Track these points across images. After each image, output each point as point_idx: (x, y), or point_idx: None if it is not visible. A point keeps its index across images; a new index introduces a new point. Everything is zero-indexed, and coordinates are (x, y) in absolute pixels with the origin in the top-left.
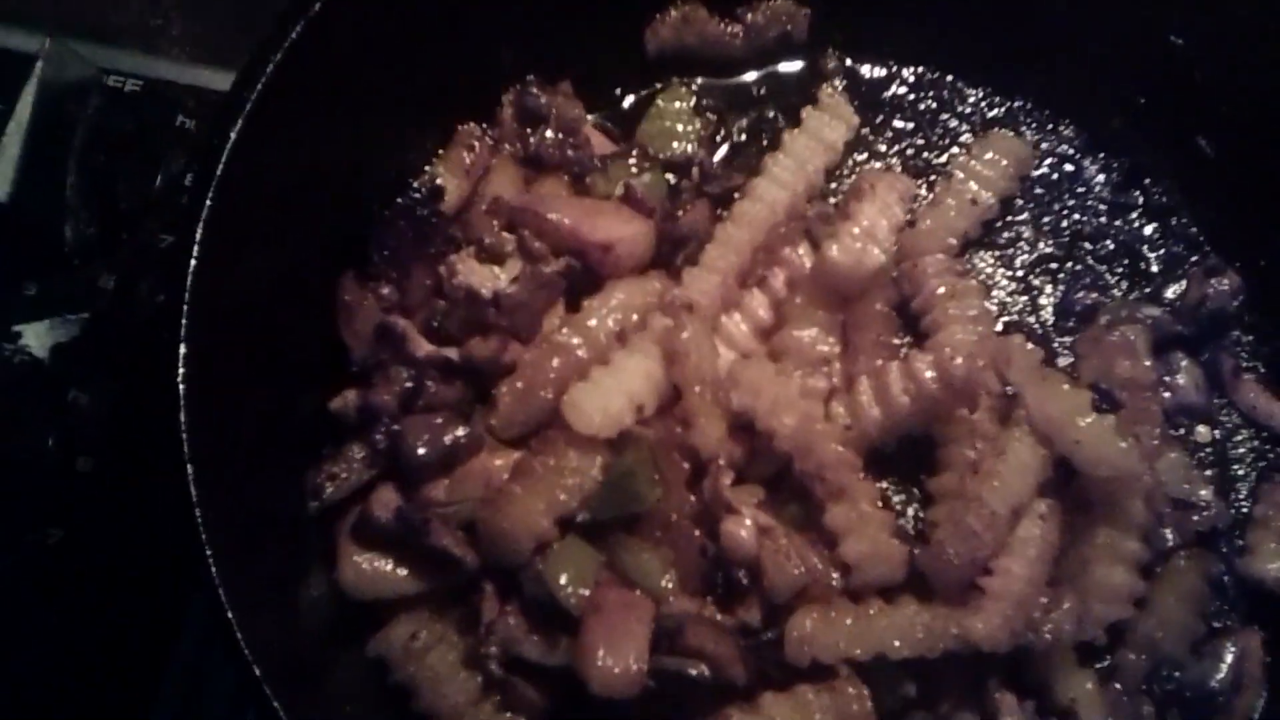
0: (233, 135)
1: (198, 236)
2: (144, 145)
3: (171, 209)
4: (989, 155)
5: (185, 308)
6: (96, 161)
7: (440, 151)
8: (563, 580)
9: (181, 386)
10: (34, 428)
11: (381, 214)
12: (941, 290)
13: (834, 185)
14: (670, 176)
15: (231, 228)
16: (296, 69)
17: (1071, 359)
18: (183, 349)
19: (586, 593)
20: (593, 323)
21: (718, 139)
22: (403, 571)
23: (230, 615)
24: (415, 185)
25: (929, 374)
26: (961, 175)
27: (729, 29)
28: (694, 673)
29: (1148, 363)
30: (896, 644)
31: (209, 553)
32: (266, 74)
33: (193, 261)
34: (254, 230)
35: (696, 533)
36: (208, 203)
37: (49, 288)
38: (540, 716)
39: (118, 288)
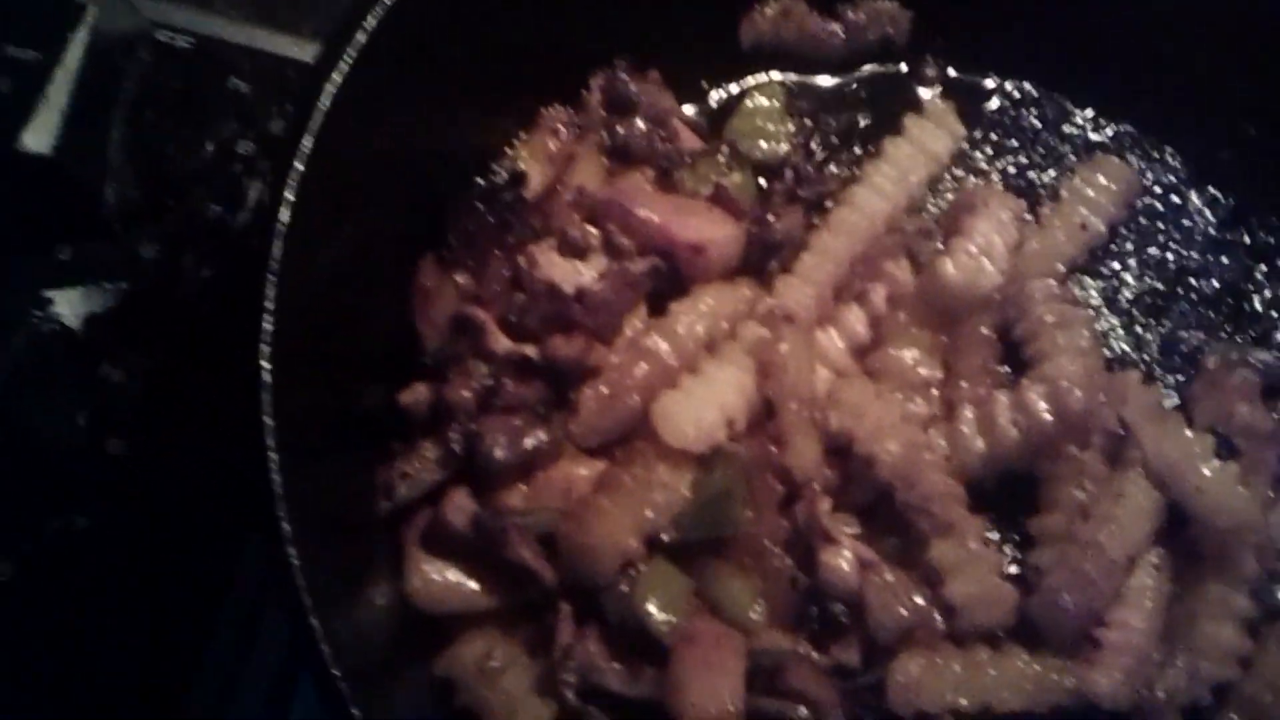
0: (324, 106)
1: (283, 213)
2: (193, 107)
3: (222, 177)
4: (1099, 179)
5: (269, 285)
6: (143, 121)
7: (522, 135)
8: (652, 606)
9: (266, 368)
10: (62, 404)
11: (459, 197)
12: (1050, 318)
13: (932, 200)
14: (760, 180)
15: (315, 204)
16: (388, 38)
17: (1176, 401)
18: (267, 325)
19: (678, 621)
20: (681, 329)
21: (811, 142)
22: (474, 585)
23: (310, 611)
24: (496, 169)
25: (1042, 405)
26: (1071, 198)
27: (829, 26)
28: (794, 717)
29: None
30: (1006, 695)
31: (291, 549)
32: (360, 43)
33: (277, 238)
34: (335, 208)
35: (788, 561)
36: (293, 178)
37: (86, 252)
38: None
39: (160, 257)
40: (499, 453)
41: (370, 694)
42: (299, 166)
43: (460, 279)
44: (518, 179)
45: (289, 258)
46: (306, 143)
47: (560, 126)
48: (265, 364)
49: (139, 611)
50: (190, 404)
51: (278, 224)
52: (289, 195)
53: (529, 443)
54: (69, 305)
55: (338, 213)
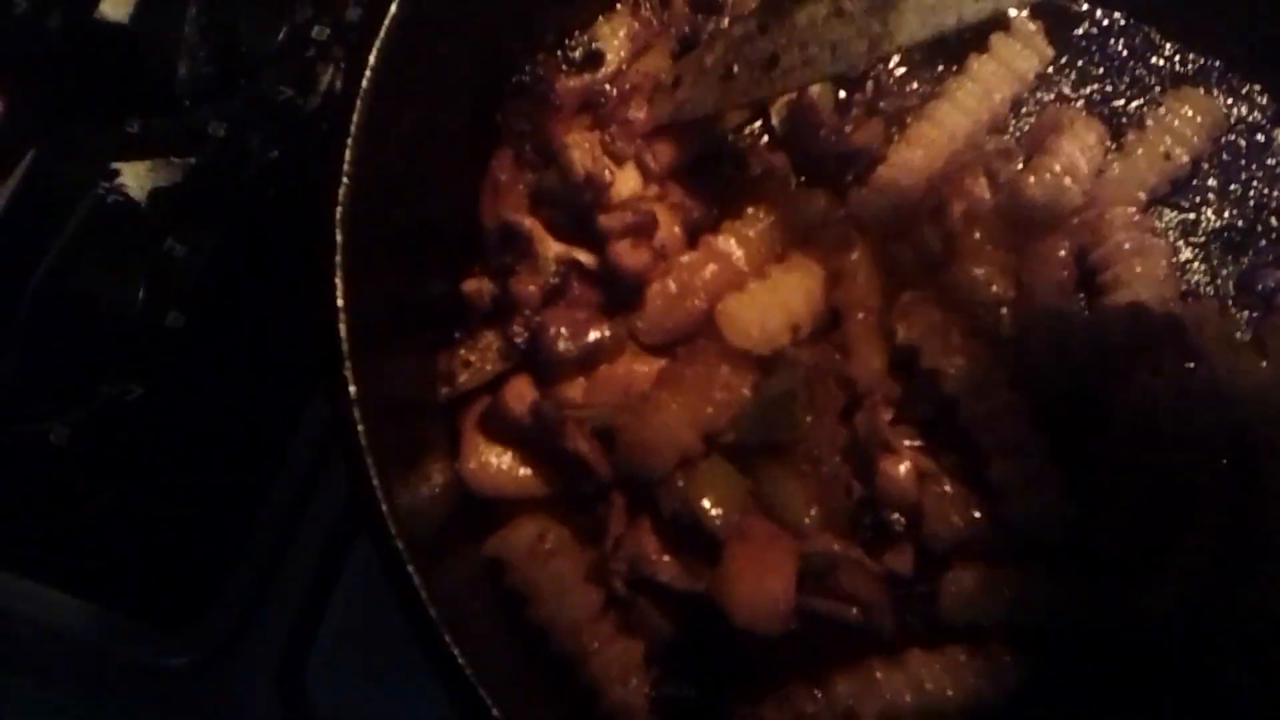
0: None
1: (366, 78)
2: None
3: (295, 60)
4: (1185, 111)
5: (347, 149)
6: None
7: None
8: (707, 501)
9: (338, 231)
10: (124, 275)
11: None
12: (1128, 245)
13: (1015, 122)
14: (840, 91)
15: (396, 73)
16: None
17: (1249, 336)
18: (342, 189)
19: (734, 517)
20: (754, 233)
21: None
22: (528, 471)
23: (373, 473)
24: (571, 44)
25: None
26: (1156, 127)
27: None
28: (846, 617)
29: None
30: (1060, 614)
31: (357, 411)
32: None
33: (359, 102)
34: (416, 80)
35: (845, 469)
36: (371, 60)
37: (154, 126)
38: (660, 642)
39: (229, 136)
40: (562, 345)
41: (423, 563)
42: (382, 34)
43: (533, 177)
44: (594, 58)
45: (368, 125)
46: (391, 8)
47: (647, 14)
48: (338, 227)
49: (189, 480)
50: (250, 281)
51: (359, 89)
52: (372, 60)
53: (593, 336)
54: (135, 178)
55: (418, 86)
